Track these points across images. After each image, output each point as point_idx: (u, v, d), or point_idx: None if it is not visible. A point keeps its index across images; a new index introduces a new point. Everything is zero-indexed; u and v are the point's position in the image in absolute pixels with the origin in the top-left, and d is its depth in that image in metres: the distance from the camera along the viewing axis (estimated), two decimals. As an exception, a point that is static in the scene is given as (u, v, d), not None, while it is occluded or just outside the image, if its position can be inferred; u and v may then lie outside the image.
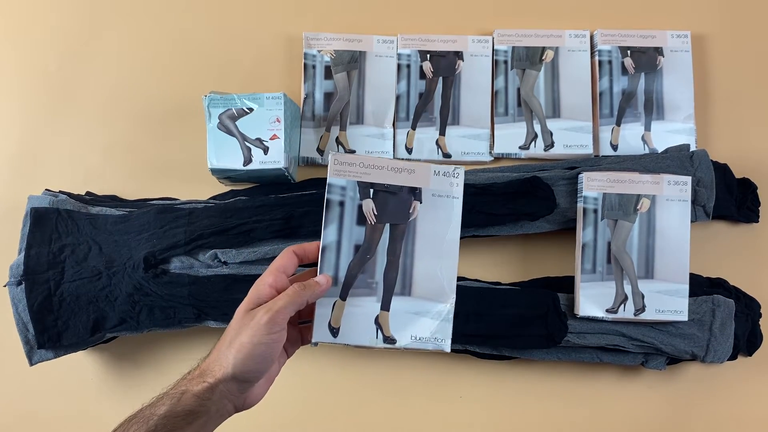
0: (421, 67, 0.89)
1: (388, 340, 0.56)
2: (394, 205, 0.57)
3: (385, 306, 0.57)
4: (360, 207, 0.57)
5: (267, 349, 0.51)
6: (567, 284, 0.80)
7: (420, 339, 0.56)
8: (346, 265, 0.57)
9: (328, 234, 0.57)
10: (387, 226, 0.57)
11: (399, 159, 0.59)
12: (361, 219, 0.57)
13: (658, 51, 0.88)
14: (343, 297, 0.57)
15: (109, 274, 0.76)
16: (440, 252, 0.57)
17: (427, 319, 0.56)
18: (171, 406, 0.49)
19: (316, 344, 0.57)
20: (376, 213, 0.57)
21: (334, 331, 0.57)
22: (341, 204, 0.57)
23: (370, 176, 0.57)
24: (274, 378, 0.56)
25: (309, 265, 0.59)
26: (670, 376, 0.82)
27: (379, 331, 0.57)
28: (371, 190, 0.57)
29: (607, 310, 0.75)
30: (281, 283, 0.54)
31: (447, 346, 0.56)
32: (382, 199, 0.57)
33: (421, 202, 0.57)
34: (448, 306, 0.57)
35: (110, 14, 0.92)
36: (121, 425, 0.49)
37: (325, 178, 0.86)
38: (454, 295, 0.57)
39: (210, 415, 0.50)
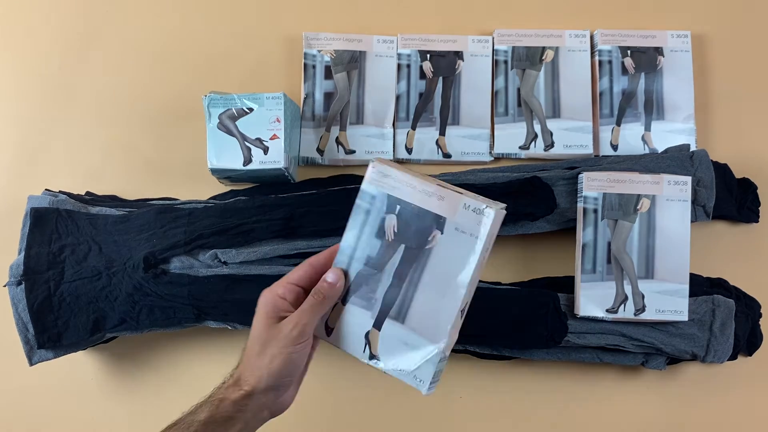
0: (421, 67, 0.89)
1: (373, 357, 0.56)
2: (416, 228, 0.55)
3: (377, 325, 0.56)
4: (383, 220, 0.56)
5: (299, 357, 0.54)
6: (567, 284, 0.80)
7: (401, 371, 0.55)
8: (354, 272, 0.56)
9: (347, 238, 0.56)
10: (402, 246, 0.55)
11: (434, 180, 0.55)
12: (381, 233, 0.56)
13: (658, 51, 0.88)
14: (344, 302, 0.57)
15: (109, 274, 0.76)
16: (445, 291, 0.54)
17: (413, 353, 0.55)
18: (210, 412, 0.51)
19: None
20: (395, 231, 0.55)
21: (329, 330, 0.57)
22: (367, 212, 0.56)
23: (400, 192, 0.55)
24: (302, 379, 0.58)
25: None
26: (670, 376, 0.82)
27: (367, 346, 0.56)
28: (398, 207, 0.55)
29: (607, 310, 0.75)
30: (292, 294, 0.55)
31: (425, 389, 0.55)
32: (405, 219, 0.55)
33: (442, 233, 0.54)
34: (436, 349, 0.54)
35: (110, 14, 0.92)
36: None
37: (325, 179, 0.88)
38: (447, 339, 0.54)
39: (247, 421, 0.53)
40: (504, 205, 0.54)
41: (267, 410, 0.55)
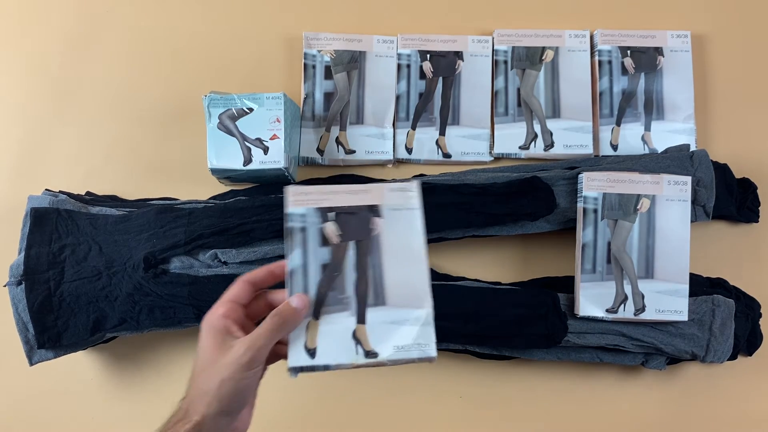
0: (421, 67, 0.89)
1: (370, 354, 0.55)
2: (356, 223, 0.58)
3: (361, 319, 0.56)
4: (322, 230, 0.57)
5: (250, 383, 0.50)
6: (567, 284, 0.80)
7: (403, 347, 0.55)
8: (315, 285, 0.56)
9: (294, 258, 0.56)
10: (351, 243, 0.57)
11: (355, 183, 0.61)
12: (325, 241, 0.57)
13: (658, 51, 0.88)
14: (316, 316, 0.55)
15: (109, 274, 0.76)
16: (408, 260, 0.57)
17: (406, 326, 0.55)
18: None
19: (295, 374, 0.54)
20: (338, 234, 0.57)
21: (312, 352, 0.54)
22: (303, 229, 0.57)
23: (327, 202, 0.58)
24: (255, 402, 0.54)
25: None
26: (670, 376, 0.82)
27: (358, 345, 0.55)
28: (330, 214, 0.58)
29: (607, 310, 0.75)
30: (235, 313, 0.53)
31: (432, 351, 0.55)
32: (344, 220, 0.58)
33: (382, 217, 0.58)
34: (426, 310, 0.56)
35: (111, 15, 0.93)
36: None
37: (325, 179, 0.87)
38: (431, 300, 0.56)
39: None
40: (417, 181, 0.60)
41: None
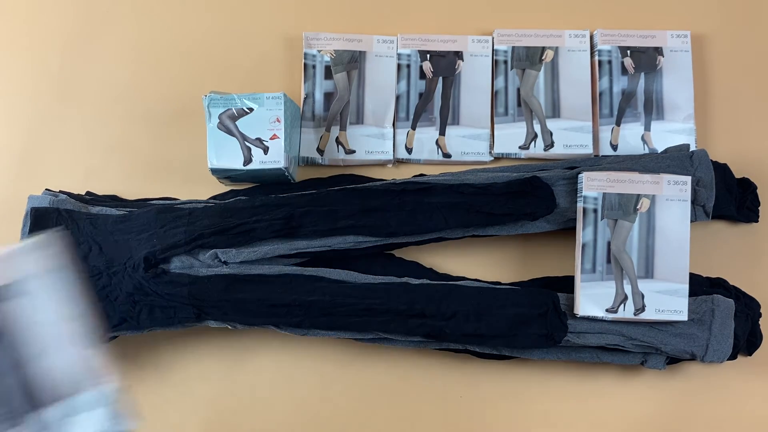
0: (421, 67, 0.89)
1: None
2: None
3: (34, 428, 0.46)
4: None
5: None
6: (567, 284, 0.80)
7: None
8: None
9: None
10: None
11: None
12: None
13: (658, 51, 0.88)
14: None
15: (110, 273, 0.76)
16: (66, 342, 0.46)
17: (89, 413, 0.47)
18: None
19: None
20: None
21: None
22: None
23: None
24: None
25: None
26: (670, 376, 0.82)
27: None
28: None
29: (606, 310, 0.75)
30: None
31: (129, 424, 0.47)
32: None
33: (15, 300, 0.45)
34: (108, 386, 0.46)
35: (111, 14, 0.93)
36: None
37: (325, 179, 0.88)
38: (110, 373, 0.46)
39: None
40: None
41: None
